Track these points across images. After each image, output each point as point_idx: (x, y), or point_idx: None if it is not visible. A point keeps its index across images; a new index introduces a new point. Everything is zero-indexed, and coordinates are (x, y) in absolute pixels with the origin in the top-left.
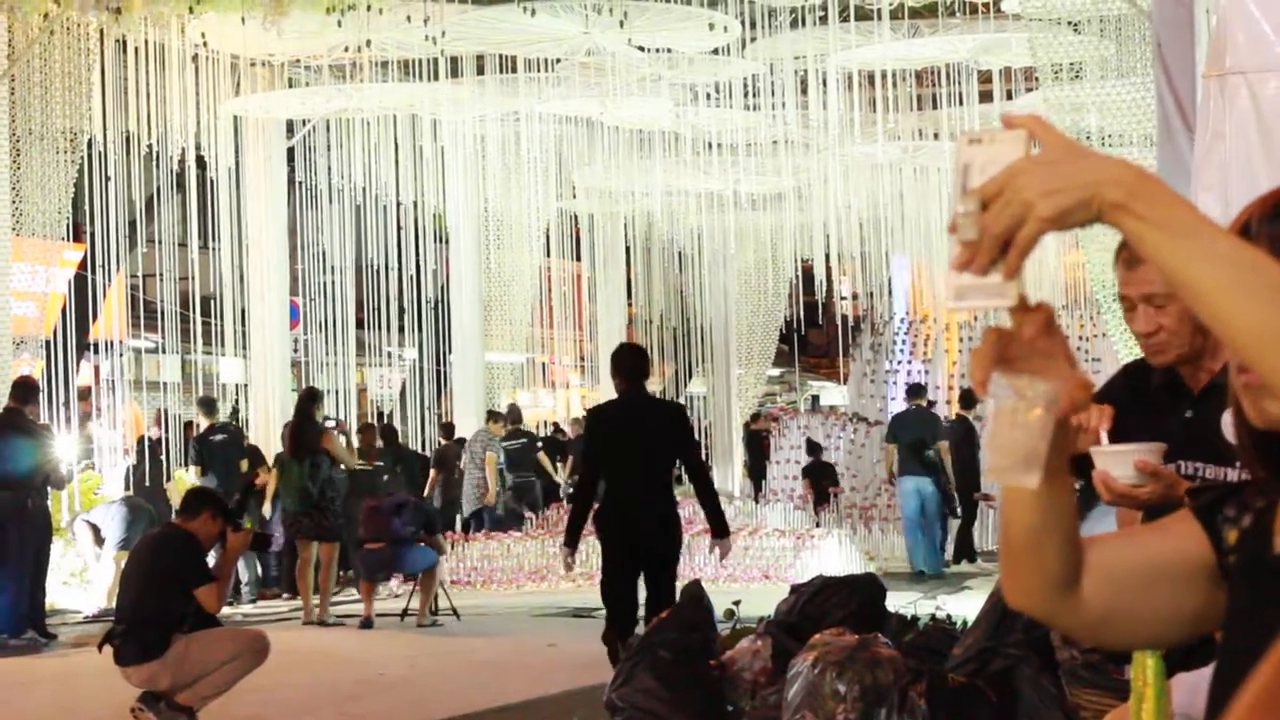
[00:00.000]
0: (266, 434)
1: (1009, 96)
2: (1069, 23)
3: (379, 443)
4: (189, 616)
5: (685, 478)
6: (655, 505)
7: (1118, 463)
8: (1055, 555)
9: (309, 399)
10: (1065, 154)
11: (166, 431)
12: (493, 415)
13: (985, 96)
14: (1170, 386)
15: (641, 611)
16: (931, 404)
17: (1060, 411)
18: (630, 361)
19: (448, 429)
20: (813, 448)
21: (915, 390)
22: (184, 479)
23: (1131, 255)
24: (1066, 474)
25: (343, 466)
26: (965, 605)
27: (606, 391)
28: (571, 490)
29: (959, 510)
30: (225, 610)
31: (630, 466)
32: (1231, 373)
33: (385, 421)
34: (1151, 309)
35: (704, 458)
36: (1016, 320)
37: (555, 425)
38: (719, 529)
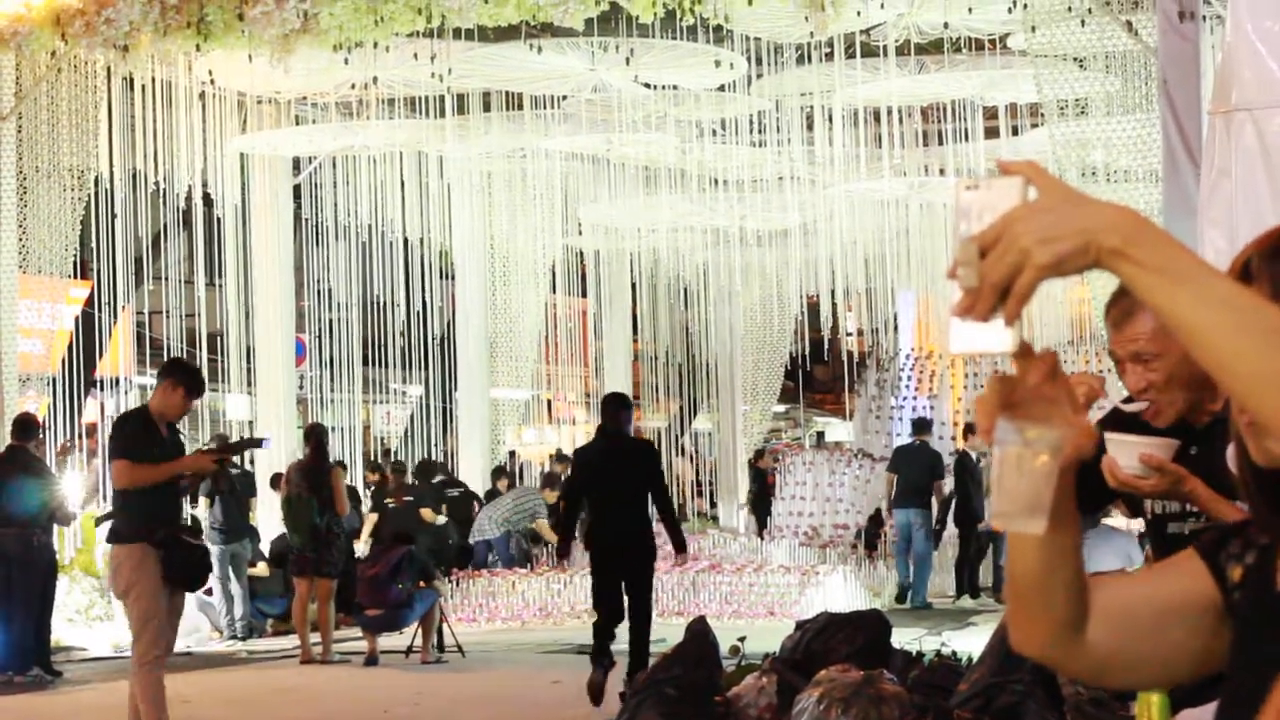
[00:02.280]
0: (271, 470)
1: (1015, 132)
2: (1074, 59)
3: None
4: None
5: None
6: (631, 525)
7: (1125, 451)
8: (1062, 599)
9: (320, 435)
10: (1061, 200)
11: None
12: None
13: (991, 132)
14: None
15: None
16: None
17: (1065, 458)
18: (612, 408)
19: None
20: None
21: (920, 425)
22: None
23: (1120, 313)
24: (1073, 519)
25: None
26: (971, 641)
27: None
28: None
29: (938, 543)
30: (229, 647)
31: (609, 494)
32: (1234, 412)
33: (394, 458)
34: (1139, 366)
35: (709, 493)
36: (1020, 367)
37: (558, 452)
38: (679, 546)
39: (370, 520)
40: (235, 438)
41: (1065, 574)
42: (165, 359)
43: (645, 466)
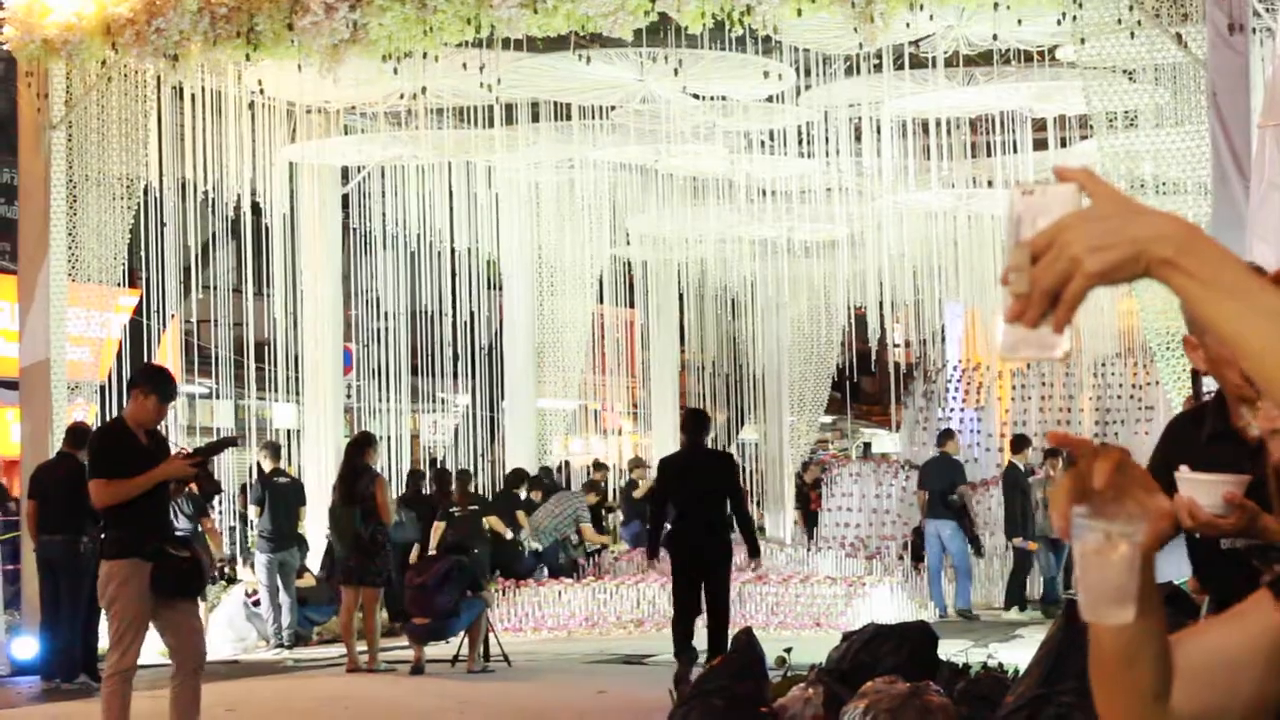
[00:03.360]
0: (320, 480)
1: (1063, 144)
2: (1124, 71)
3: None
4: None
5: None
6: (710, 529)
7: (1204, 491)
8: (1148, 672)
9: (359, 444)
10: (1115, 209)
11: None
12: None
13: (1040, 144)
14: (1222, 437)
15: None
16: (943, 453)
17: (1146, 546)
18: (693, 422)
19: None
20: None
21: (941, 436)
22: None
23: None
24: (1157, 600)
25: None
26: (1017, 654)
27: (658, 438)
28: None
29: (983, 551)
30: (275, 656)
31: (691, 500)
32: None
33: (440, 467)
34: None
35: (755, 503)
36: (1090, 463)
37: (596, 462)
38: (754, 550)
39: (438, 530)
40: (284, 447)
41: (1151, 652)
42: (212, 367)
43: (725, 475)
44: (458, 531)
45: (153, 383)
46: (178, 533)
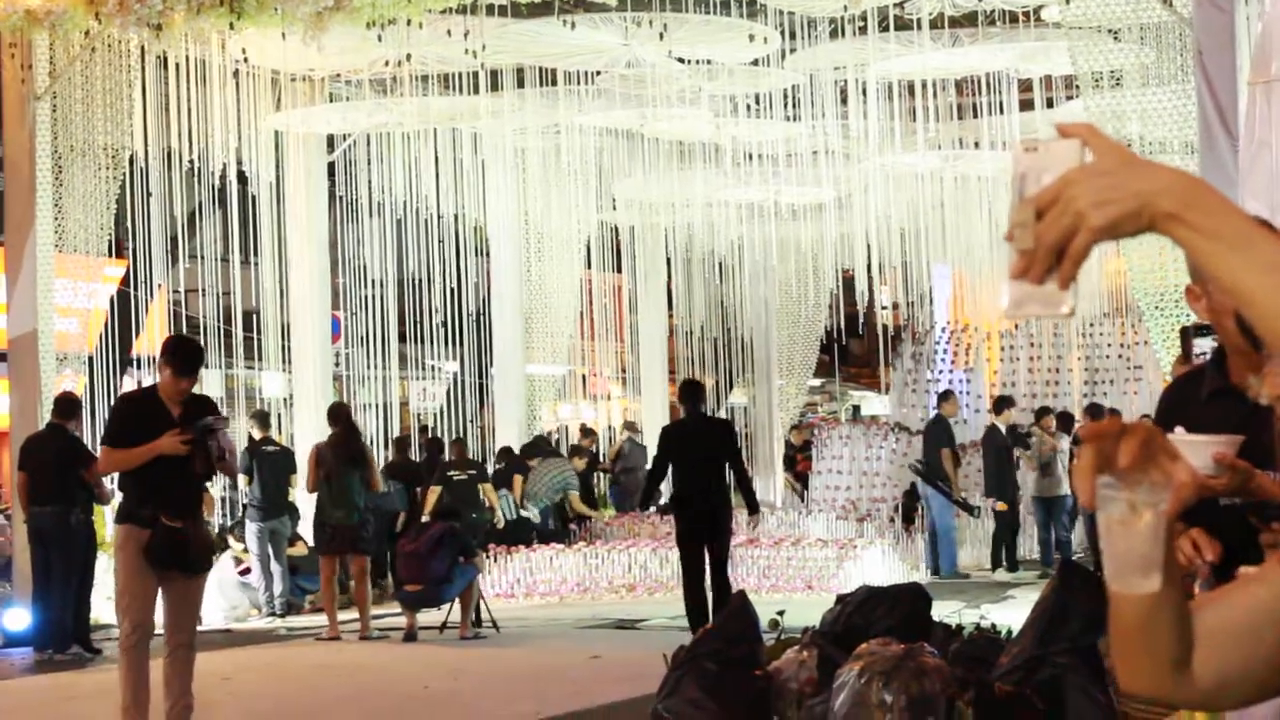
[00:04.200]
0: (310, 447)
1: (1049, 105)
2: (1109, 30)
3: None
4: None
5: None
6: (710, 492)
7: (1195, 453)
8: (1169, 641)
9: (347, 412)
10: (1118, 163)
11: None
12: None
13: (1026, 105)
14: (1222, 394)
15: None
16: (938, 415)
17: (1169, 512)
18: (690, 392)
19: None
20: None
21: (940, 398)
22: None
23: None
24: (1176, 567)
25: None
26: (1009, 614)
27: (648, 403)
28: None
29: (976, 513)
30: (268, 624)
31: (692, 465)
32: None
33: (431, 436)
34: None
35: (746, 465)
36: (1115, 437)
37: (582, 427)
38: (753, 507)
39: (433, 494)
40: (273, 415)
41: (1170, 618)
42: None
43: (724, 441)
44: (454, 497)
45: (166, 354)
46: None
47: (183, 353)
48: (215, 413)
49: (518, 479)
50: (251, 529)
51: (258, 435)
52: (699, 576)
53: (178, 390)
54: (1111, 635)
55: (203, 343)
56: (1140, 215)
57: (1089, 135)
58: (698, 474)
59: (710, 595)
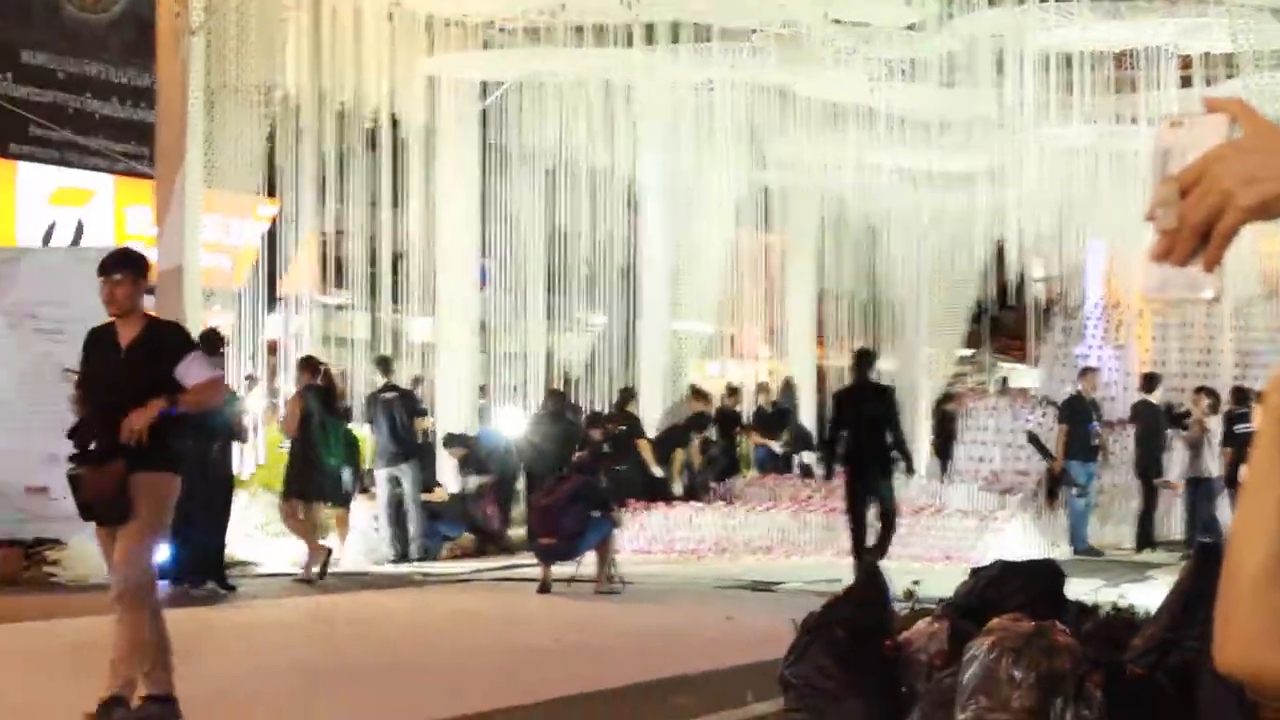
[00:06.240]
0: (454, 393)
1: (1208, 83)
2: (1271, 10)
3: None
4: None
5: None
6: (875, 449)
7: None
8: None
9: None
10: (1269, 141)
11: (353, 387)
12: (696, 392)
13: (1184, 81)
14: None
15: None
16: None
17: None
18: (861, 359)
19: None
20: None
21: (1080, 374)
22: (358, 433)
23: None
24: None
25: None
26: (1148, 595)
27: (794, 363)
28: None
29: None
30: (402, 570)
31: (860, 426)
32: None
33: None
34: None
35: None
36: None
37: (729, 387)
38: (910, 467)
39: (644, 446)
40: (417, 361)
41: None
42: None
43: (886, 405)
44: (615, 449)
45: None
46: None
47: (109, 254)
48: (180, 344)
49: (642, 442)
50: (379, 476)
51: (380, 382)
52: (861, 522)
53: (106, 296)
54: (1222, 596)
55: (350, 285)
56: None
57: (1239, 110)
58: (864, 436)
59: (880, 528)
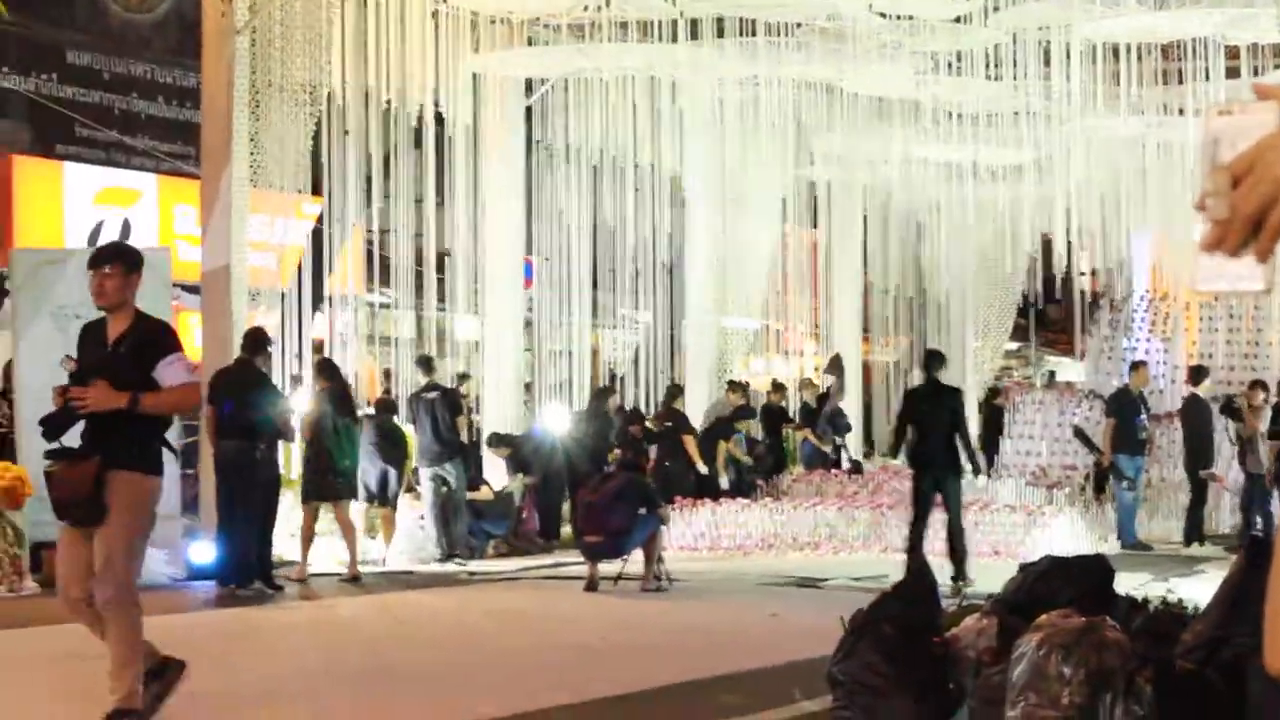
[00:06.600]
0: (499, 391)
1: (1256, 73)
2: None
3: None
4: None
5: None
6: (942, 446)
7: None
8: None
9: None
10: None
11: (398, 387)
12: (732, 385)
13: (1232, 72)
14: None
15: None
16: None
17: None
18: (931, 359)
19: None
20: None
21: (1131, 367)
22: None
23: None
24: None
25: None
26: (1198, 589)
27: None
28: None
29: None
30: (447, 568)
31: (928, 423)
32: None
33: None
34: None
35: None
36: None
37: (774, 383)
38: (976, 468)
39: (690, 442)
40: (463, 359)
41: None
42: (393, 277)
43: (953, 404)
44: (660, 447)
45: None
46: None
47: (102, 247)
48: (163, 344)
49: (689, 439)
50: (423, 474)
51: (423, 381)
52: (922, 517)
53: (95, 289)
54: (1270, 592)
55: (395, 283)
56: None
57: None
58: (932, 431)
59: (948, 533)
